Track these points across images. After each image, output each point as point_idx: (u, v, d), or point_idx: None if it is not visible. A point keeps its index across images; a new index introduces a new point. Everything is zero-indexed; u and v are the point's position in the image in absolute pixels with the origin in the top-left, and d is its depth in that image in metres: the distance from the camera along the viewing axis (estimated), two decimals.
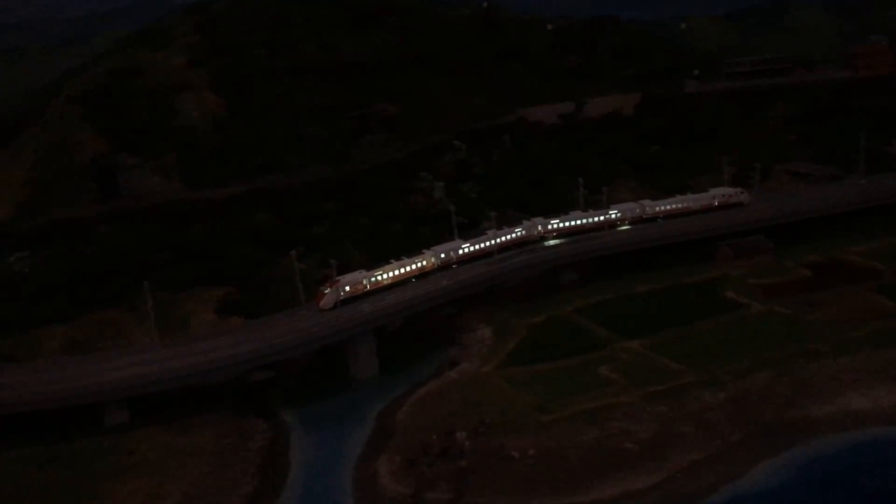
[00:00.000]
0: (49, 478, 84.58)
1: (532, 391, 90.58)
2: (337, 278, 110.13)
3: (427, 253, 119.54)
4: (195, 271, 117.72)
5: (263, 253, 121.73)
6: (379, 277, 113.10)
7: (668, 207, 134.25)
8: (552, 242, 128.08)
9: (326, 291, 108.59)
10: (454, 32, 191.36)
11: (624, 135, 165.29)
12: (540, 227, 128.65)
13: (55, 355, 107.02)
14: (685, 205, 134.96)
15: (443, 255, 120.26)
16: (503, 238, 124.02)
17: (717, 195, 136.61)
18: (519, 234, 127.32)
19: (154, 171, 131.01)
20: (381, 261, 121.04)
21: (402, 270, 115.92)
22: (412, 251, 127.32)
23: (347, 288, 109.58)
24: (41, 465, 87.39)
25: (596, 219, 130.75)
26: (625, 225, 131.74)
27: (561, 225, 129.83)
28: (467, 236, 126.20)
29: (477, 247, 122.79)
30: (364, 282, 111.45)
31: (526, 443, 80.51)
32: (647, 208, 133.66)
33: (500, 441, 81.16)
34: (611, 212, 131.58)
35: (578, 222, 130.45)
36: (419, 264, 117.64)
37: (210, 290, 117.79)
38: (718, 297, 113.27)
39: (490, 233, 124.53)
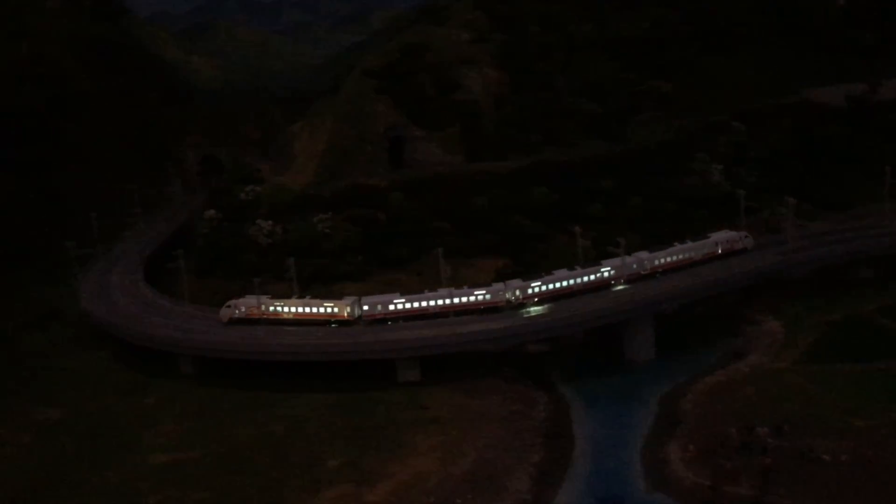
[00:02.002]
0: (354, 423, 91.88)
1: (839, 393, 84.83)
2: (237, 299, 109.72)
3: (343, 301, 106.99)
4: (475, 241, 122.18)
5: (540, 226, 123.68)
6: (277, 308, 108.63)
7: (667, 260, 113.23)
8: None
9: (228, 306, 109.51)
10: (732, 5, 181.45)
11: None
12: (518, 293, 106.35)
13: None
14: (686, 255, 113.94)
15: (365, 308, 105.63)
16: (457, 300, 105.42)
17: (720, 241, 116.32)
18: (482, 297, 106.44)
19: (438, 143, 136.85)
20: (653, 243, 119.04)
21: (303, 310, 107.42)
22: (685, 235, 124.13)
23: (243, 308, 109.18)
24: (345, 411, 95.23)
25: (584, 279, 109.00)
26: (620, 284, 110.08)
27: (542, 288, 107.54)
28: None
29: (413, 304, 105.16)
30: (262, 307, 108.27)
31: (837, 447, 75.54)
32: (646, 262, 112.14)
33: (807, 442, 76.81)
34: (602, 269, 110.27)
35: (561, 284, 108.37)
36: (327, 309, 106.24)
37: (488, 259, 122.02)
38: None
39: (444, 291, 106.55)
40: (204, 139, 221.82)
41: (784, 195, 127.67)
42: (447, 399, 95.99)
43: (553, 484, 79.54)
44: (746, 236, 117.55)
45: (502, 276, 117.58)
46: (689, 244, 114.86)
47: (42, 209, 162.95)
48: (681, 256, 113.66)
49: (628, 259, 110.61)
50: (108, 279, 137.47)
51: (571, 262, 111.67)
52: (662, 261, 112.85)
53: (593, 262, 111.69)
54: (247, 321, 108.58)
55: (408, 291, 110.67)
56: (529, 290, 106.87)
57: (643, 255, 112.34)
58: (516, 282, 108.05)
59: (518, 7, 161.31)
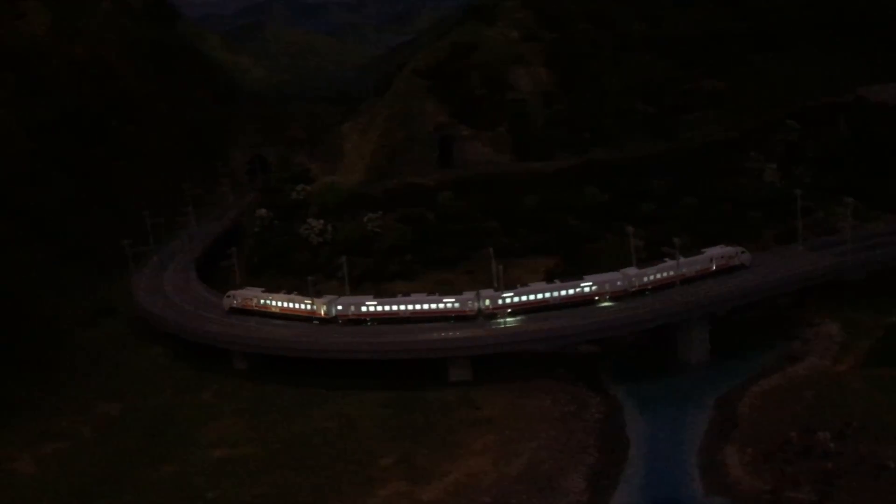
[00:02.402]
0: (406, 422, 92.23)
1: None
2: (236, 291, 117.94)
3: (321, 299, 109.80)
4: (524, 241, 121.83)
5: (590, 226, 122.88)
6: (267, 301, 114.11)
7: (660, 276, 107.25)
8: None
9: (228, 296, 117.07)
10: (787, 2, 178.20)
11: None
12: (488, 302, 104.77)
13: None
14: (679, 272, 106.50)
15: (339, 308, 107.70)
16: (427, 306, 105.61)
17: (714, 256, 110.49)
18: (452, 305, 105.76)
19: (486, 142, 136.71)
20: (706, 243, 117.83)
21: (287, 304, 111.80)
22: (739, 236, 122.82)
23: (239, 299, 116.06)
24: (397, 409, 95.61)
25: (562, 293, 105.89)
26: (605, 301, 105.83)
27: (514, 300, 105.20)
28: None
29: (384, 308, 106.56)
30: (255, 300, 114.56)
31: None
32: (634, 279, 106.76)
33: (872, 448, 75.02)
34: (582, 284, 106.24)
35: (535, 297, 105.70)
36: (305, 306, 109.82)
37: (538, 259, 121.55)
38: None
39: (417, 296, 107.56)
40: (251, 139, 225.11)
41: (840, 195, 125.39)
42: (499, 399, 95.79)
43: (608, 486, 78.90)
44: (743, 252, 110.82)
45: (552, 276, 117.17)
46: (682, 260, 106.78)
47: (98, 208, 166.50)
48: (672, 273, 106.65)
49: (613, 275, 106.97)
50: (162, 277, 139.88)
51: (624, 262, 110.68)
52: (651, 277, 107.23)
53: (567, 277, 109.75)
54: (243, 311, 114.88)
55: (457, 291, 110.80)
56: (500, 301, 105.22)
57: (631, 271, 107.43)
58: (488, 291, 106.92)
59: (567, 5, 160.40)
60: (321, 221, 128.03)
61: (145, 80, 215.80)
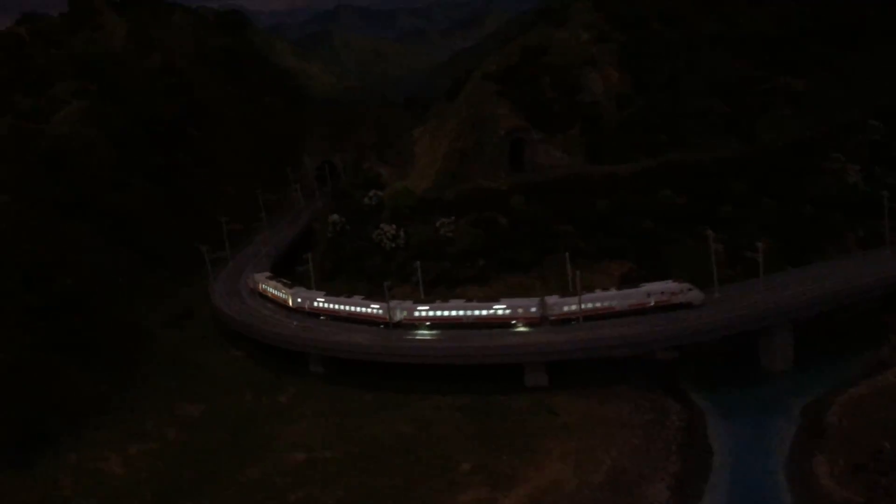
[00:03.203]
0: (484, 427, 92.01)
1: None
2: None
3: (291, 290, 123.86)
4: (599, 245, 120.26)
5: (666, 230, 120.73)
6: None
7: (595, 305, 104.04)
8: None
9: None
10: None
11: None
12: (404, 313, 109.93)
13: None
14: (612, 304, 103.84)
15: (298, 300, 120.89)
16: (352, 308, 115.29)
17: (653, 292, 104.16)
18: (373, 311, 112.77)
19: (558, 145, 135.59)
20: (788, 247, 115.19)
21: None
22: (821, 239, 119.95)
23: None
24: (474, 414, 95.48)
25: (475, 312, 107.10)
26: (520, 327, 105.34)
27: (428, 314, 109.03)
28: None
29: (325, 304, 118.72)
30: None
31: None
32: (555, 307, 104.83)
33: None
34: (496, 307, 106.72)
35: (449, 313, 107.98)
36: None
37: (612, 263, 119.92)
38: None
39: (352, 299, 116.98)
40: (320, 145, 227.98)
41: None
42: (577, 405, 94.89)
43: (693, 495, 77.54)
44: (690, 289, 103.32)
45: (627, 281, 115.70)
46: (613, 292, 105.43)
47: (173, 213, 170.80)
48: (598, 305, 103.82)
49: (529, 301, 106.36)
50: (238, 281, 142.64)
51: (703, 267, 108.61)
52: (573, 308, 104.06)
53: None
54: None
55: (525, 295, 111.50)
56: (416, 313, 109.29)
57: (552, 299, 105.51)
58: (407, 303, 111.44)
59: (639, 6, 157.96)
60: (394, 226, 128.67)
61: (218, 87, 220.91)
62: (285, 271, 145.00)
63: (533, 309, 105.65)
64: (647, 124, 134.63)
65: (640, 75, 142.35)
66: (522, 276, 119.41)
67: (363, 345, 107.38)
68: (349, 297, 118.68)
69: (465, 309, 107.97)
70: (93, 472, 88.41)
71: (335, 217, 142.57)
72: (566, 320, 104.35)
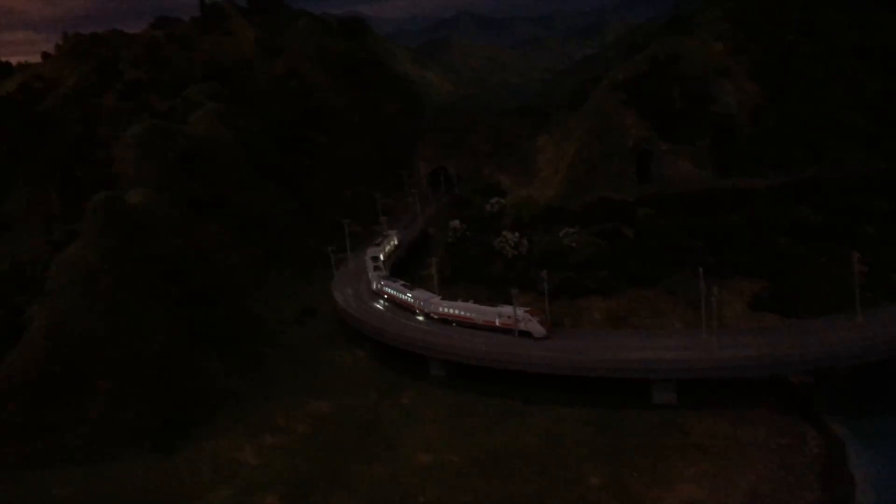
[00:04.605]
0: (612, 442, 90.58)
1: None
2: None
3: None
4: (729, 261, 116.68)
5: (802, 249, 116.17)
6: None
7: (454, 312, 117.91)
8: None
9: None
10: None
11: None
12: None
13: (597, 326, 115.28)
14: (469, 315, 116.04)
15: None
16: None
17: (503, 314, 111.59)
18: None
19: (686, 157, 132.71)
20: None
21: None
22: None
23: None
24: (600, 428, 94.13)
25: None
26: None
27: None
28: None
29: None
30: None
31: None
32: (433, 305, 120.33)
33: None
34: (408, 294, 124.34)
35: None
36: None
37: (743, 281, 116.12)
38: None
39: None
40: (434, 151, 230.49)
41: None
42: (708, 425, 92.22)
43: None
44: (530, 320, 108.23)
45: (759, 300, 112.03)
46: (473, 305, 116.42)
47: (297, 213, 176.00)
48: (462, 313, 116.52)
49: (419, 293, 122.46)
50: (360, 282, 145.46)
51: (840, 287, 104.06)
52: (447, 310, 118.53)
53: None
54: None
55: (656, 311, 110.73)
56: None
57: (429, 295, 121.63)
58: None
59: (773, 16, 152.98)
60: (517, 234, 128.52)
61: (338, 92, 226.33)
62: (404, 274, 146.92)
63: (422, 303, 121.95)
64: (782, 138, 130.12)
65: (776, 87, 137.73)
66: (648, 289, 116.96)
67: (487, 351, 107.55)
68: (469, 301, 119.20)
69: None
70: (229, 462, 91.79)
71: (456, 223, 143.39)
72: (444, 320, 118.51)
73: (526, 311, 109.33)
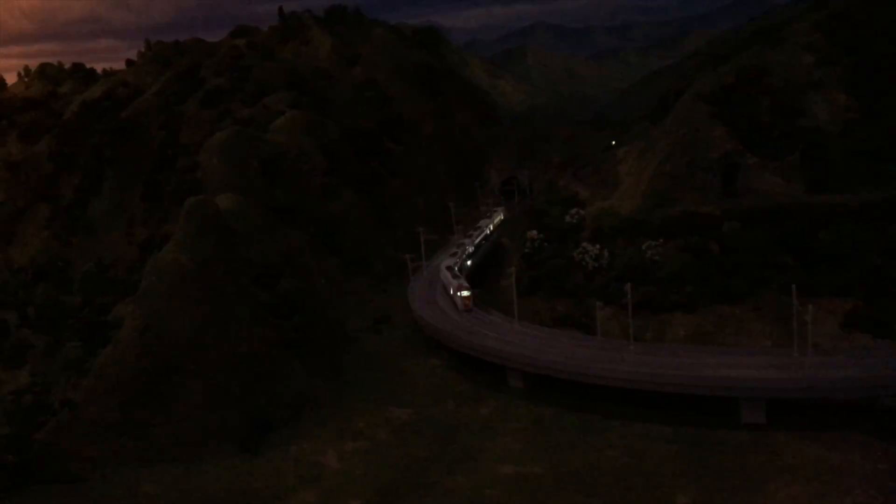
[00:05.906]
0: (698, 460, 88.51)
1: None
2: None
3: None
4: (820, 279, 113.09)
5: None
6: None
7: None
8: None
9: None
10: None
11: None
12: None
13: (680, 342, 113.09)
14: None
15: None
16: None
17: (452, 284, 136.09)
18: None
19: (774, 171, 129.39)
20: None
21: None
22: None
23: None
24: (686, 446, 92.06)
25: None
26: None
27: None
28: None
29: None
30: None
31: None
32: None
33: None
34: None
35: None
36: None
37: (834, 300, 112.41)
38: None
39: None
40: (507, 161, 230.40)
41: None
42: (799, 447, 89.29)
43: None
44: (459, 295, 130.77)
45: (852, 320, 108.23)
46: (452, 277, 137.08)
47: (373, 221, 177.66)
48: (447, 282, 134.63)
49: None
50: (436, 291, 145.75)
51: None
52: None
53: None
54: None
55: (742, 328, 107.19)
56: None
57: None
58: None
59: (866, 27, 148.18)
60: (597, 246, 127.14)
61: (413, 101, 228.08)
62: (480, 284, 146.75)
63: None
64: (877, 153, 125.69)
65: (869, 101, 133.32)
66: (734, 306, 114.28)
67: (560, 363, 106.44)
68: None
69: None
70: (312, 465, 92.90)
71: (534, 233, 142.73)
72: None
73: (462, 284, 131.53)
